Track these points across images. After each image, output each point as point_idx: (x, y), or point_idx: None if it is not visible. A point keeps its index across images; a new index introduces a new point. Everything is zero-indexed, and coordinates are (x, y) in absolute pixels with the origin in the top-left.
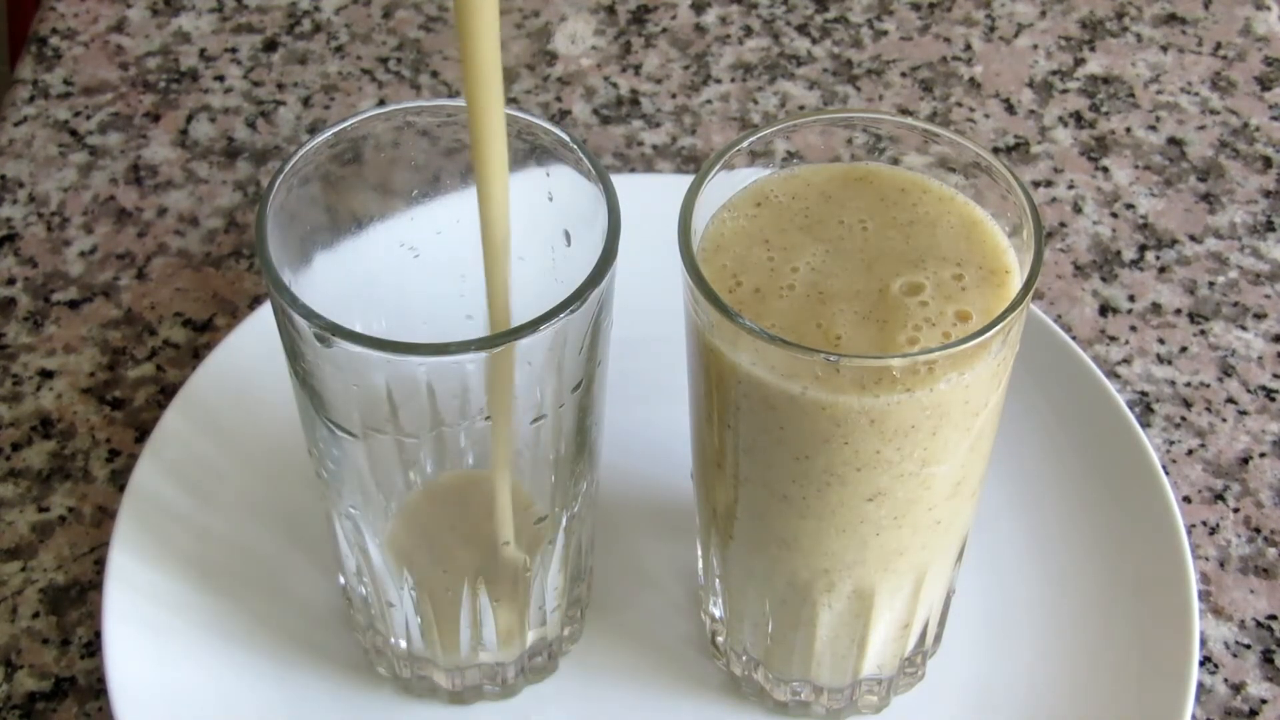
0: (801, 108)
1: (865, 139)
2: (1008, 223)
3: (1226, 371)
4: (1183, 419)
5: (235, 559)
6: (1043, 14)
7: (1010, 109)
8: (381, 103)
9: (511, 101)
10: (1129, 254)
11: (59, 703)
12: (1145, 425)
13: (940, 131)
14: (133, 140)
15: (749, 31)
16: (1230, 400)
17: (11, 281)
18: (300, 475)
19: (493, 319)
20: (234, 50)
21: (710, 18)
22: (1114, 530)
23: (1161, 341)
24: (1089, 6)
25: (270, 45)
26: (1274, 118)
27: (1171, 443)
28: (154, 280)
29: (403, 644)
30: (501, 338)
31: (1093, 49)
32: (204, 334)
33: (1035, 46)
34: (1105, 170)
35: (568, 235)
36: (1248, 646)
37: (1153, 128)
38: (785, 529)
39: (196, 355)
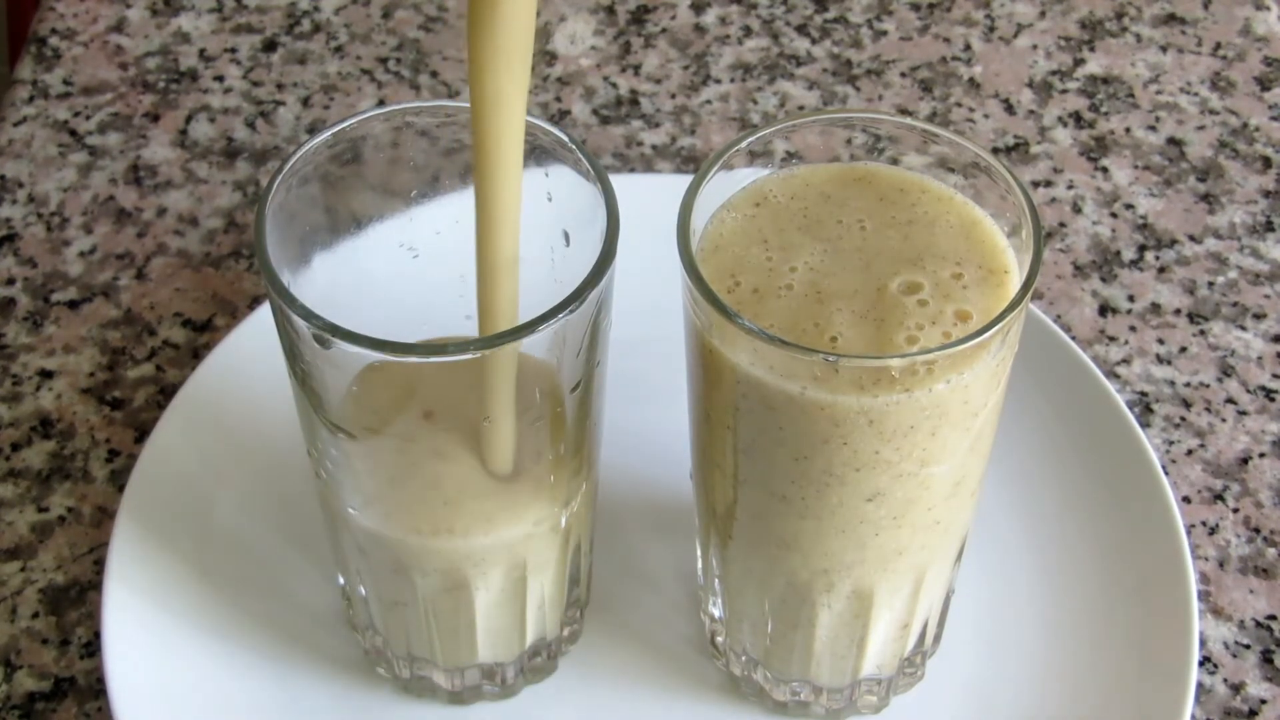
0: (801, 108)
1: (865, 139)
2: (1007, 223)
3: (1226, 371)
4: (1182, 419)
5: (235, 559)
6: (1042, 14)
7: (1010, 109)
8: (381, 103)
9: None
10: (1128, 254)
11: (59, 703)
12: (1145, 425)
13: (939, 132)
14: (132, 140)
15: (748, 31)
16: (1230, 400)
17: (11, 281)
18: (300, 475)
19: (485, 325)
20: (234, 50)
21: (710, 18)
22: (1114, 530)
23: (1161, 341)
24: (1089, 6)
25: (270, 45)
26: (1274, 118)
27: (1171, 443)
28: (154, 280)
29: (402, 644)
30: (501, 338)
31: (1092, 49)
32: (204, 334)
33: (1035, 46)
34: (1105, 170)
35: (566, 236)
36: (1247, 646)
37: (1152, 128)
38: (784, 529)
39: (196, 355)
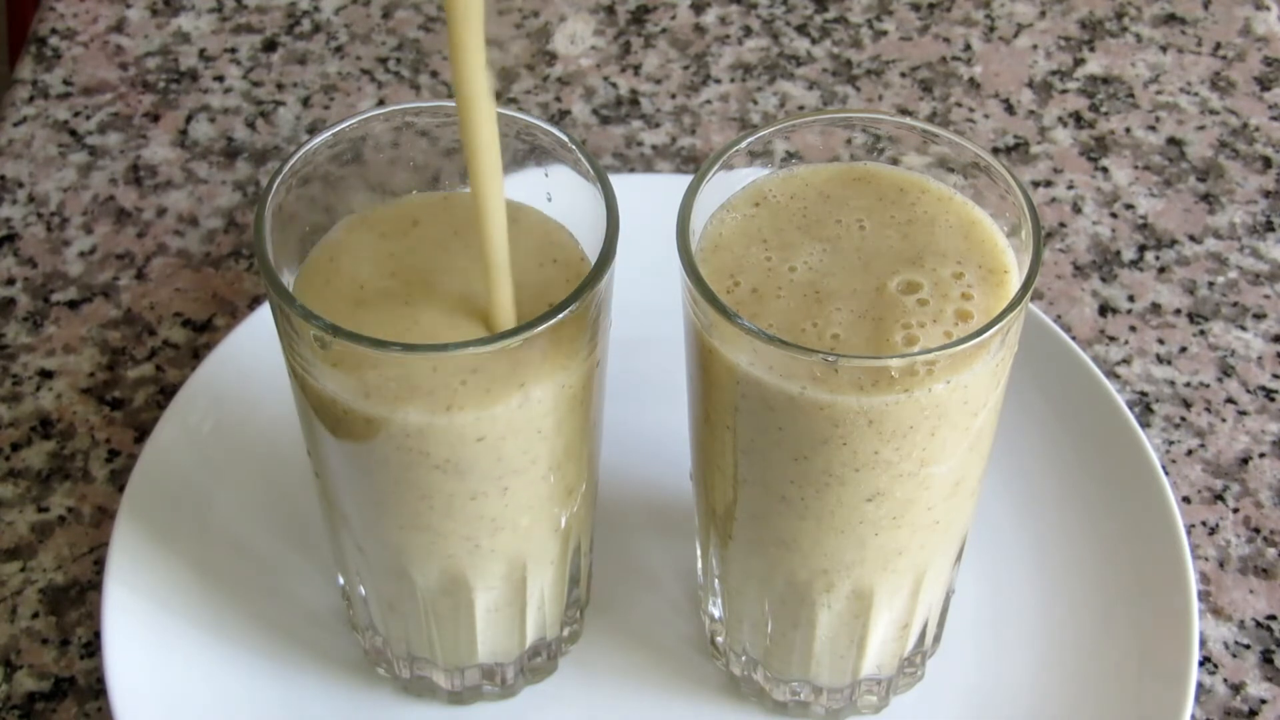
0: (801, 108)
1: (864, 139)
2: (1006, 223)
3: (1226, 371)
4: (1182, 419)
5: (235, 559)
6: (1042, 14)
7: (1010, 109)
8: (381, 103)
9: (511, 102)
10: (1128, 254)
11: (59, 703)
12: (1145, 425)
13: (939, 132)
14: (132, 140)
15: (749, 31)
16: (1230, 400)
17: (11, 282)
18: (300, 475)
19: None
20: (234, 50)
21: (710, 18)
22: (1114, 530)
23: (1161, 341)
24: (1089, 6)
25: (270, 45)
26: (1274, 118)
27: (1171, 443)
28: (154, 280)
29: (402, 644)
30: (501, 338)
31: (1092, 49)
32: (204, 334)
33: (1035, 46)
34: (1105, 170)
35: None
36: (1247, 647)
37: (1152, 128)
38: (784, 529)
39: (196, 355)
